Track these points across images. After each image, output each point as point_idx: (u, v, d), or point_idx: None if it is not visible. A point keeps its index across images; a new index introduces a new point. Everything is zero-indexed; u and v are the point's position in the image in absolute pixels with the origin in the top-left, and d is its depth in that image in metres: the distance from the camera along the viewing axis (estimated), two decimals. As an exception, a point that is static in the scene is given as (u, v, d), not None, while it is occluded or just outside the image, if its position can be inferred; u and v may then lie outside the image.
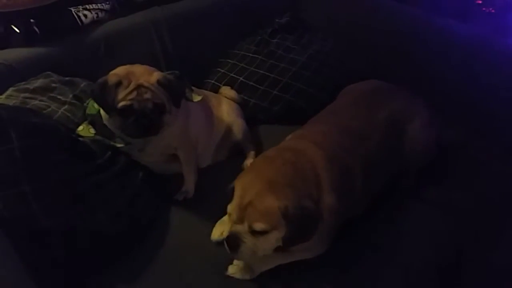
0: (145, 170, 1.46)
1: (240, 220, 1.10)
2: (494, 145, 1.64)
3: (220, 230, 1.31)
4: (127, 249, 1.30)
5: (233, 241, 1.10)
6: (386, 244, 1.32)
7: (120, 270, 1.25)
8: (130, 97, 1.28)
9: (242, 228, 1.09)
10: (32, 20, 1.71)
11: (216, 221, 1.35)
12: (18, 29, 1.71)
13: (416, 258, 1.30)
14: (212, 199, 1.44)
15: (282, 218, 1.07)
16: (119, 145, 1.39)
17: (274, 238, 1.10)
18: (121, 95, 1.28)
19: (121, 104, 1.28)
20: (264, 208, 1.07)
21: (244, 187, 1.11)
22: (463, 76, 1.81)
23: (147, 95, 1.29)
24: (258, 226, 1.07)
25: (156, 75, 1.33)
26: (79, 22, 1.81)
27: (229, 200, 1.14)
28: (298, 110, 1.82)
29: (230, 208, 1.13)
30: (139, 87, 1.29)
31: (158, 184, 1.50)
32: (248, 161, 1.64)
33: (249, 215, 1.08)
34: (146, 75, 1.32)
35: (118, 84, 1.28)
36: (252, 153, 1.67)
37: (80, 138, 1.37)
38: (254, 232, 1.08)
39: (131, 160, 1.43)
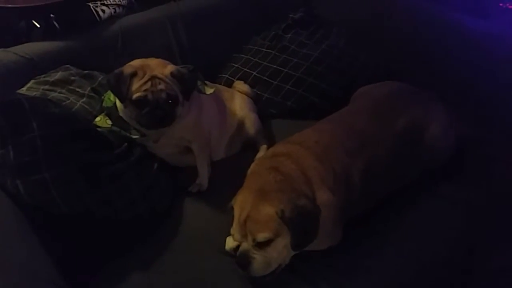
0: (160, 162, 1.49)
1: (243, 237, 1.12)
2: (509, 142, 1.62)
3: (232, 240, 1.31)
4: (142, 237, 1.33)
5: (243, 260, 1.12)
6: (395, 235, 1.32)
7: (135, 257, 1.28)
8: (145, 87, 1.32)
9: (247, 244, 1.12)
10: (52, 15, 1.76)
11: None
12: (39, 24, 1.77)
13: (426, 250, 1.30)
14: (224, 191, 1.44)
15: (282, 222, 1.09)
16: (134, 136, 1.43)
17: (281, 246, 1.11)
18: (135, 85, 1.32)
19: (136, 95, 1.32)
20: (262, 218, 1.09)
21: (240, 205, 1.14)
22: (479, 72, 1.79)
23: (161, 86, 1.33)
24: (261, 236, 1.09)
25: (170, 68, 1.37)
26: (97, 17, 1.86)
27: (230, 222, 1.17)
28: (310, 104, 1.83)
29: (232, 229, 1.17)
30: (153, 78, 1.33)
31: (172, 175, 1.53)
32: (260, 155, 1.65)
33: (250, 228, 1.10)
34: (160, 67, 1.36)
35: (133, 74, 1.32)
36: (264, 147, 1.68)
37: (98, 129, 1.41)
38: (260, 245, 1.10)
39: (147, 152, 1.47)
